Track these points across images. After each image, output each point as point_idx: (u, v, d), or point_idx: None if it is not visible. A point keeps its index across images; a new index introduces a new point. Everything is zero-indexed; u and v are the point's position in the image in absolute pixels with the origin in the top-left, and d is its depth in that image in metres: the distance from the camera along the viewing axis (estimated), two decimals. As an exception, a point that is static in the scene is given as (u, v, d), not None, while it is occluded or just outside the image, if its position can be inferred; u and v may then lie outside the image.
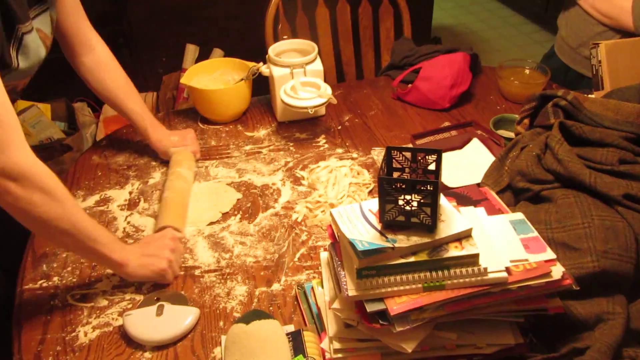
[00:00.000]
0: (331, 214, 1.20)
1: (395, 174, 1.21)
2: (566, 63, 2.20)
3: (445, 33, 5.13)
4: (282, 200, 1.72)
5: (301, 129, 2.02)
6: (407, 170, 1.21)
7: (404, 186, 1.12)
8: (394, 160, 1.22)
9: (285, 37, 2.27)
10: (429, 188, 1.10)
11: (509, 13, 5.54)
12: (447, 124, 1.94)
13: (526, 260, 1.14)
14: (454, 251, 1.11)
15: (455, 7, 5.76)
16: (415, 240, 1.12)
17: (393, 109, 2.10)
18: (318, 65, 1.99)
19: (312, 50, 2.01)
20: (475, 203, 1.31)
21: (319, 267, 1.46)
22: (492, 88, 2.17)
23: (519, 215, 1.25)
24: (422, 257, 1.11)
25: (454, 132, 1.84)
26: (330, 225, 1.25)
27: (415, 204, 1.11)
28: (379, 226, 1.17)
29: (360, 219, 1.18)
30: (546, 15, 5.12)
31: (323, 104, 1.89)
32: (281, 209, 1.68)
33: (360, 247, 1.09)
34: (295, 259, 1.52)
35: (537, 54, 4.56)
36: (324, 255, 1.35)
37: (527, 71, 2.10)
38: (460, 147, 1.74)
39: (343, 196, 1.68)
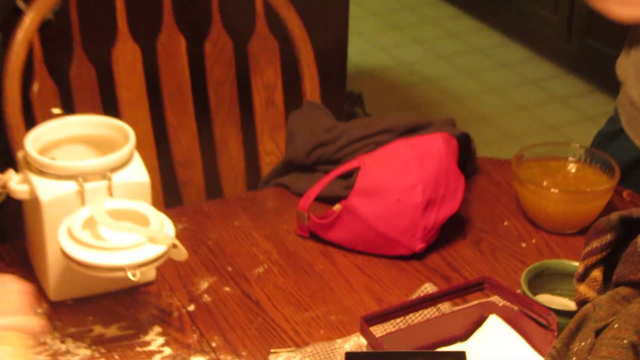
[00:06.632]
0: None
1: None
2: None
3: (371, 83, 3.48)
4: None
5: (106, 316, 1.25)
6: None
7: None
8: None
9: (56, 111, 1.52)
10: None
11: (494, 40, 3.81)
12: (427, 287, 1.32)
13: None
14: None
15: (383, 31, 3.88)
16: None
17: (303, 259, 1.36)
18: (139, 172, 1.29)
19: (124, 140, 1.31)
20: None
21: None
22: (500, 202, 1.51)
23: None
24: None
25: (444, 306, 1.26)
26: None
27: None
28: None
29: None
30: (569, 47, 3.66)
31: (159, 259, 1.16)
32: None
33: None
34: None
35: (560, 122, 3.36)
36: None
37: (571, 167, 1.51)
38: (464, 337, 1.20)
39: None
